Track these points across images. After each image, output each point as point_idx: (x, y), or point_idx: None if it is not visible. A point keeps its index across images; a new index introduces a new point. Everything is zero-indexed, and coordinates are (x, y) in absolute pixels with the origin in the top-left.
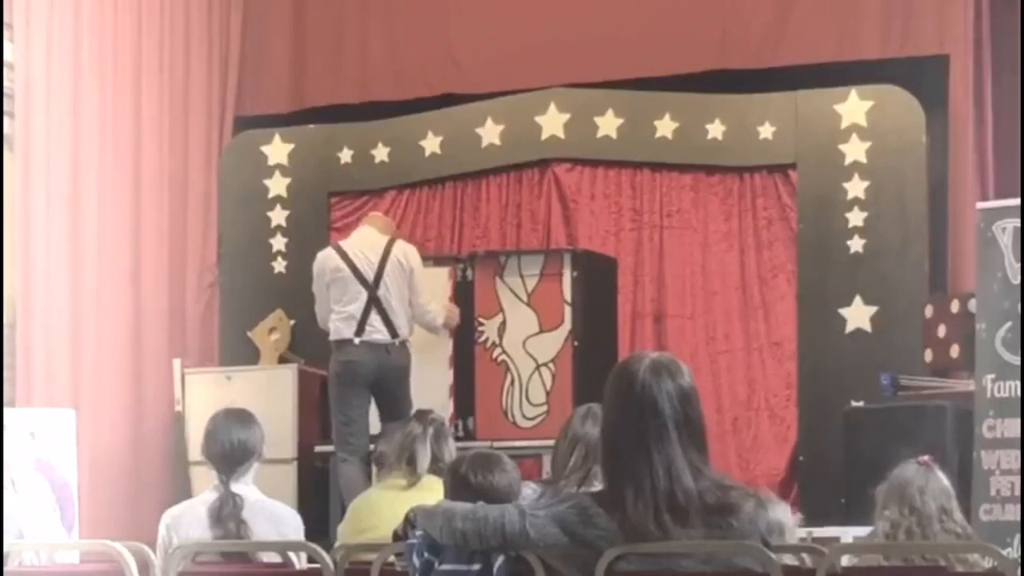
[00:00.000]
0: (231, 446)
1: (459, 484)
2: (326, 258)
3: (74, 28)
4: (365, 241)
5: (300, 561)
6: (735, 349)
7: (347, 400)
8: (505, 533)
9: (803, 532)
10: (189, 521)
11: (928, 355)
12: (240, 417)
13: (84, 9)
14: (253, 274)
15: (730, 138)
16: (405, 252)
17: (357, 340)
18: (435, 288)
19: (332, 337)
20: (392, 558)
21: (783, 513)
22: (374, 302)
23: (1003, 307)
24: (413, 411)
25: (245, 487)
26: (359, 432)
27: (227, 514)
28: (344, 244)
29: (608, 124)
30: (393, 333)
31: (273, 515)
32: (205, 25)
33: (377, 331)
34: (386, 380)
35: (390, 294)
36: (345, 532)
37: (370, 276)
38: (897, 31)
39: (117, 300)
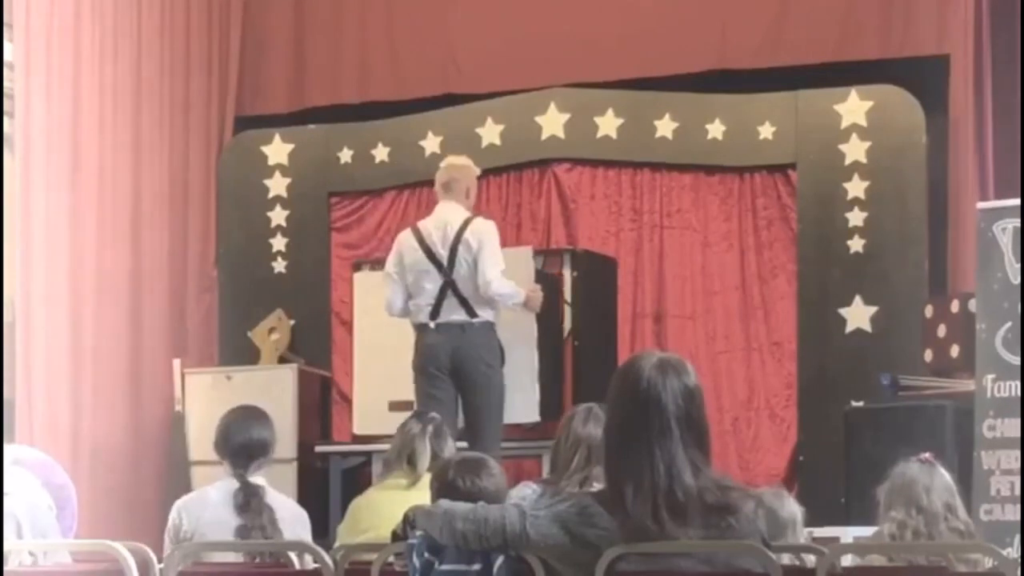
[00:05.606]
0: (250, 442)
1: (448, 489)
2: (405, 239)
3: (74, 28)
4: (442, 218)
5: (300, 561)
6: (735, 349)
7: (425, 384)
8: (506, 533)
9: (804, 531)
10: (200, 505)
11: (928, 355)
12: (257, 415)
13: (84, 9)
14: (253, 274)
15: (730, 138)
16: (475, 230)
17: (432, 324)
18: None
19: (412, 321)
20: (392, 558)
21: (796, 506)
22: (449, 285)
23: (1003, 307)
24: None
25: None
26: (441, 410)
27: (255, 506)
28: (422, 224)
29: (608, 124)
30: (472, 314)
31: (292, 512)
32: (205, 25)
33: (454, 312)
34: (462, 363)
35: (463, 277)
36: (345, 532)
37: (444, 259)
38: (897, 31)
39: (117, 300)
